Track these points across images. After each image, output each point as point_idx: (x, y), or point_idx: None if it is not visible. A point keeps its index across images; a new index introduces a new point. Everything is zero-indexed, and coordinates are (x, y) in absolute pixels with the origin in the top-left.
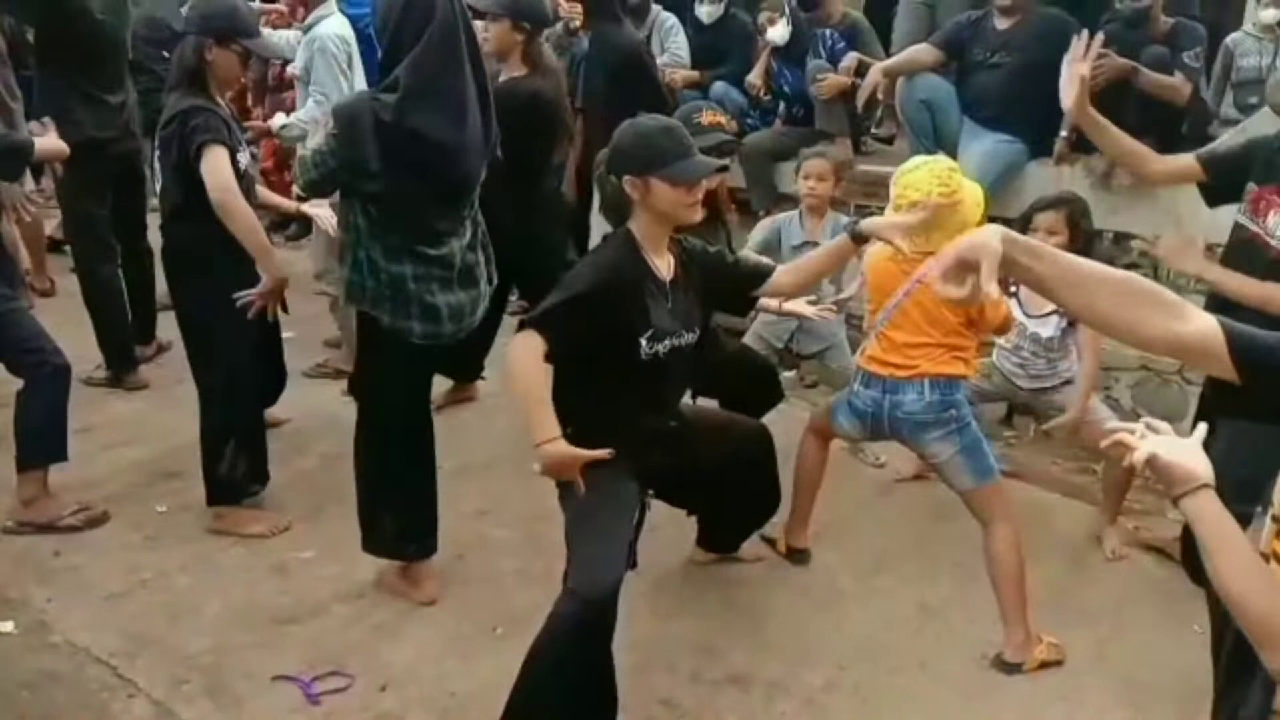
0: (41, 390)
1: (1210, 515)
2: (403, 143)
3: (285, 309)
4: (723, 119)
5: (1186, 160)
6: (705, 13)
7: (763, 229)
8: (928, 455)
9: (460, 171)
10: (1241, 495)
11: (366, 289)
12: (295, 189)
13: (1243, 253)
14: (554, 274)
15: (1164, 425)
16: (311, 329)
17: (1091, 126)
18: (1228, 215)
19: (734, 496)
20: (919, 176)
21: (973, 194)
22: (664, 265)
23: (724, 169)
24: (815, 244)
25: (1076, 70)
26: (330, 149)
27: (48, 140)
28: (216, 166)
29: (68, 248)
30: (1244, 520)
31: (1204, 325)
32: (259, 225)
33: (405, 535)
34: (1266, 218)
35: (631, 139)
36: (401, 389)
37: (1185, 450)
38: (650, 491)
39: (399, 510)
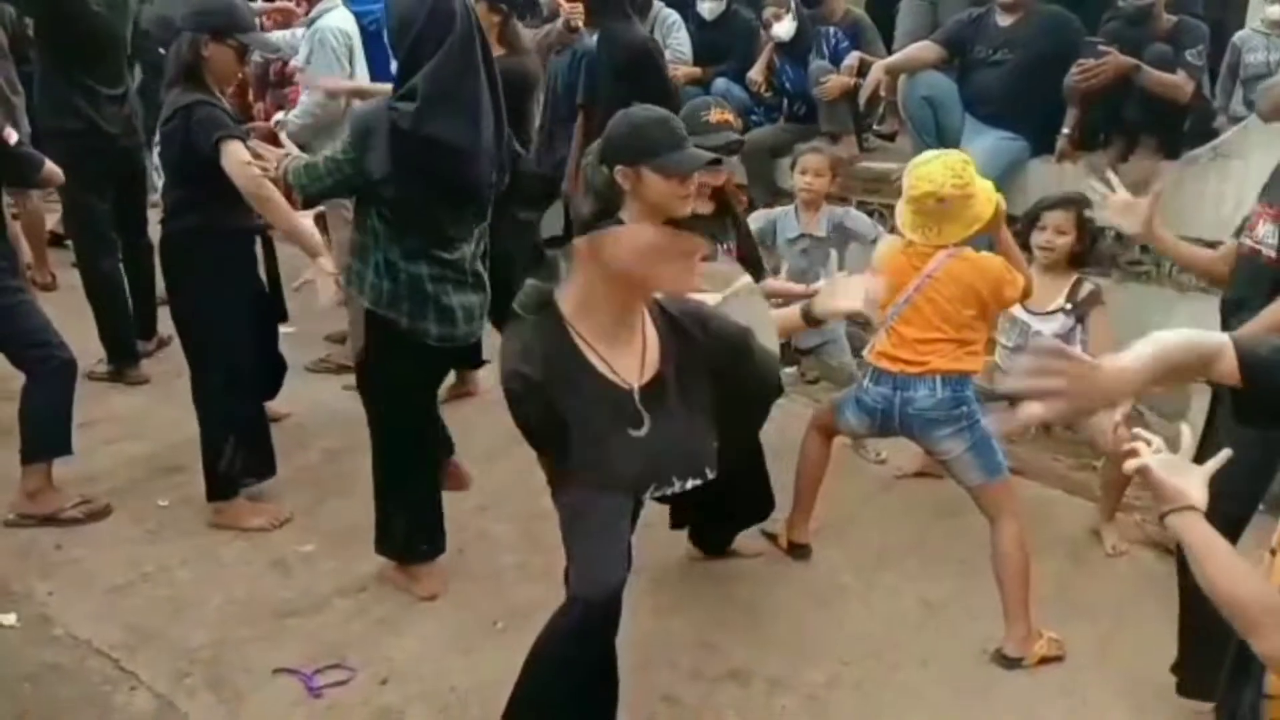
0: (47, 385)
1: (1197, 532)
2: (418, 150)
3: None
4: (730, 116)
5: (1231, 245)
6: (707, 9)
7: (757, 220)
8: (938, 452)
9: (473, 175)
10: (1236, 500)
11: (385, 291)
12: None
13: (1246, 267)
14: (525, 257)
15: (1187, 436)
16: (313, 323)
17: (1163, 245)
18: (1228, 214)
19: (726, 497)
20: (933, 169)
21: (985, 188)
22: None
23: (717, 162)
24: (810, 237)
25: (1119, 196)
26: (346, 156)
27: (54, 165)
28: (238, 160)
29: (69, 242)
30: (1241, 523)
31: (1229, 360)
32: (292, 211)
33: (415, 536)
34: (1256, 229)
35: (625, 129)
36: (414, 393)
37: (1184, 472)
38: None
39: (409, 512)
